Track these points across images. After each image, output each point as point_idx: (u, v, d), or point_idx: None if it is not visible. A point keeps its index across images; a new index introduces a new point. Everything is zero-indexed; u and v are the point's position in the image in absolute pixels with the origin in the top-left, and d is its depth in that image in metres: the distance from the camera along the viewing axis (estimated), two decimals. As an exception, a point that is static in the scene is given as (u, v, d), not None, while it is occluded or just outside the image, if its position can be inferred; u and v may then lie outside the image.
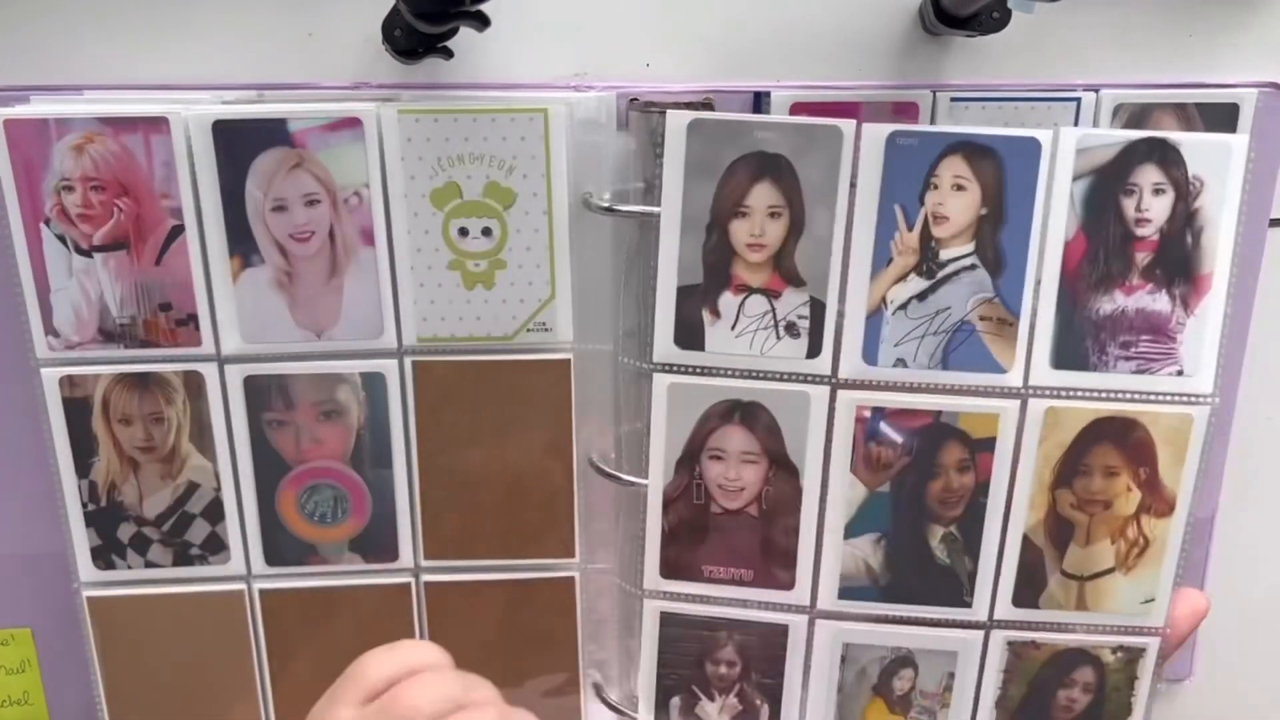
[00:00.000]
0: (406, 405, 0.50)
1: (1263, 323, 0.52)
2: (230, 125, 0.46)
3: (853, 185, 0.44)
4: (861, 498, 0.47)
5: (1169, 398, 0.45)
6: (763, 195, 0.45)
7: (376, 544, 0.51)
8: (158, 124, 0.45)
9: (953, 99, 0.48)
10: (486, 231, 0.48)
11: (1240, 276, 0.51)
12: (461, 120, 0.46)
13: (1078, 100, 0.49)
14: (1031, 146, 0.43)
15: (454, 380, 0.50)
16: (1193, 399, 0.45)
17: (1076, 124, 0.49)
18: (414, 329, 0.49)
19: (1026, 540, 0.47)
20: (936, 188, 0.44)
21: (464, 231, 0.48)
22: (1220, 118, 0.49)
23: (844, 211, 0.44)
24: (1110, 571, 0.47)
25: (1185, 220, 0.44)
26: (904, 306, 0.45)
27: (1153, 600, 0.47)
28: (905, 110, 0.48)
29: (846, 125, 0.43)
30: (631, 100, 0.48)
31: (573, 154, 0.47)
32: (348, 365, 0.49)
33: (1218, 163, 0.43)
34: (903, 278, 0.45)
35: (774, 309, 0.46)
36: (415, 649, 0.43)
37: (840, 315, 0.46)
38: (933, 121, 0.48)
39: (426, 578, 0.52)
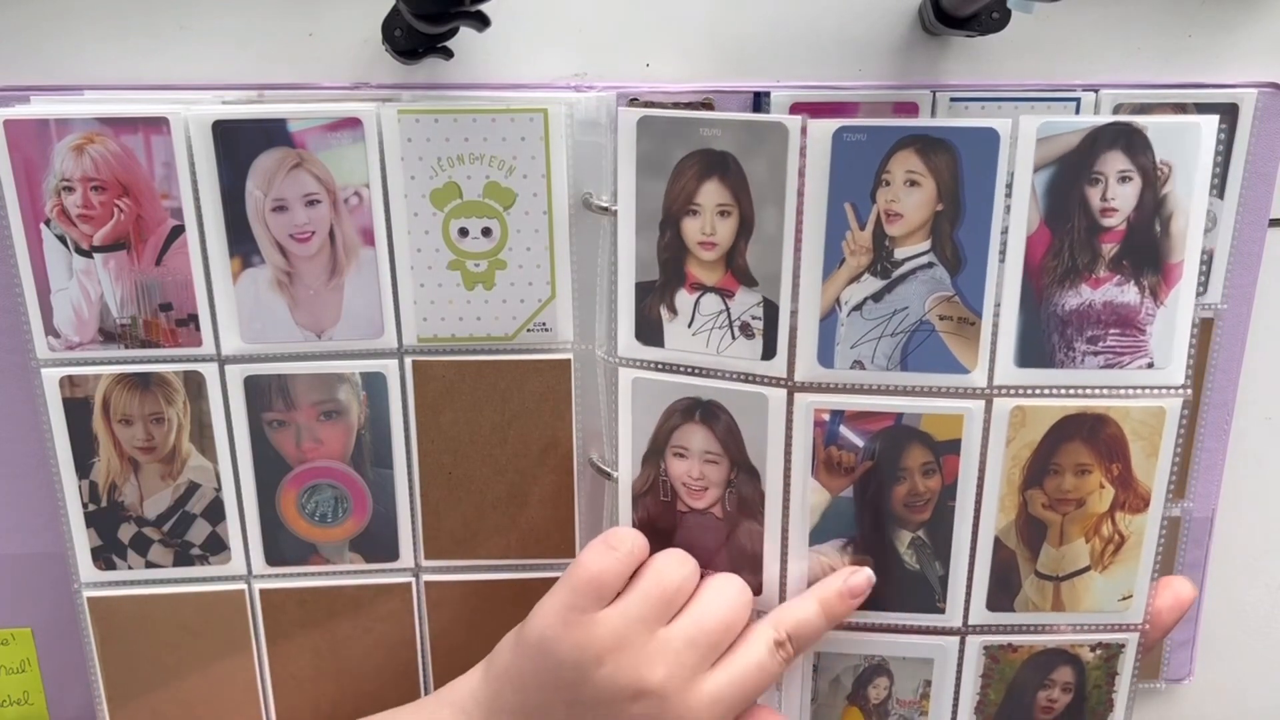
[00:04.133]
0: (407, 405, 0.50)
1: (1263, 323, 0.52)
2: (230, 125, 0.46)
3: (801, 183, 0.43)
4: (825, 503, 0.46)
5: (1140, 391, 0.44)
6: (711, 193, 0.44)
7: (377, 544, 0.51)
8: (158, 124, 0.45)
9: (952, 99, 0.48)
10: (486, 232, 0.48)
11: (1240, 276, 0.52)
12: (461, 120, 0.46)
13: (1077, 100, 0.49)
14: (989, 137, 0.42)
15: (454, 380, 0.50)
16: (1165, 391, 0.44)
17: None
18: (414, 329, 0.49)
19: (998, 543, 0.46)
20: (888, 184, 0.42)
21: (464, 231, 0.48)
22: (1220, 118, 0.49)
23: (793, 211, 0.43)
24: (1086, 570, 0.46)
25: (1154, 208, 0.42)
26: (859, 308, 0.44)
27: (1130, 597, 0.46)
28: (905, 110, 0.48)
29: (792, 122, 0.42)
30: (631, 100, 0.48)
31: (573, 154, 0.47)
32: (348, 365, 0.49)
33: (1186, 146, 0.41)
34: (856, 278, 0.44)
35: (728, 308, 0.45)
36: (628, 535, 0.45)
37: (794, 316, 0.44)
38: (933, 121, 0.48)
39: (427, 578, 0.52)
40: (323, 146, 0.46)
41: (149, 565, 0.51)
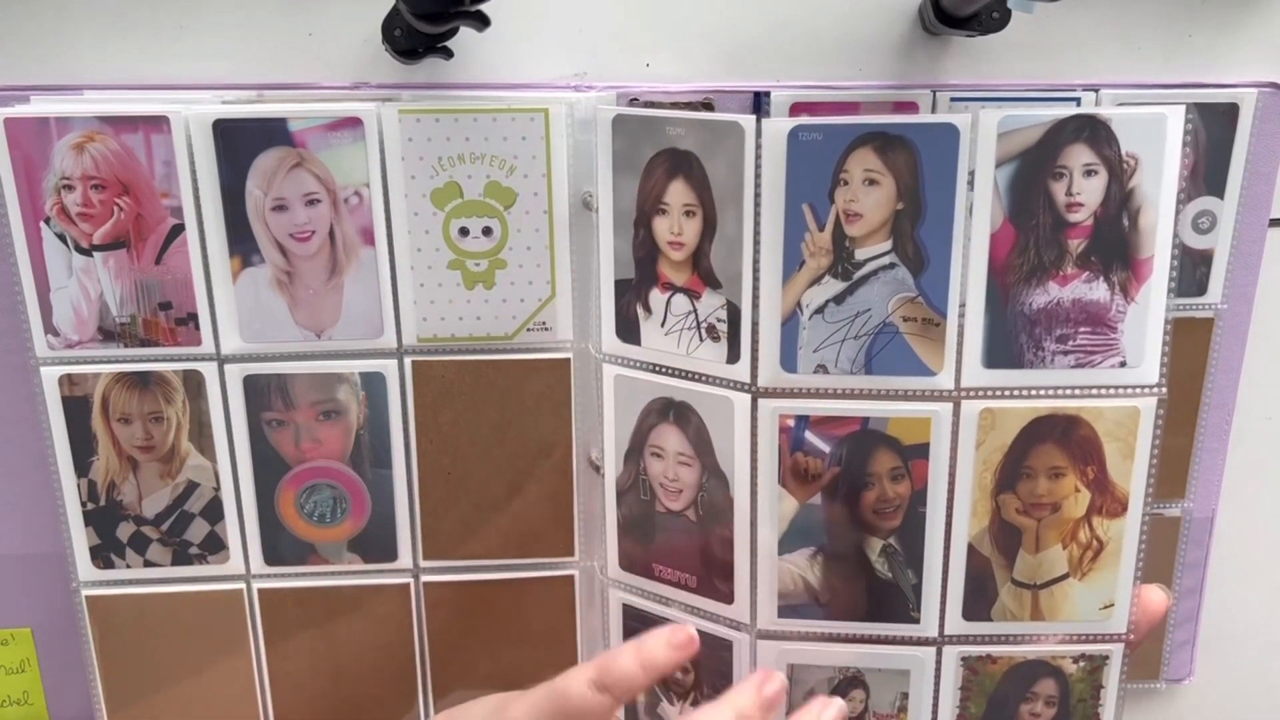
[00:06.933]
0: (406, 405, 0.50)
1: (1263, 323, 0.52)
2: (231, 125, 0.46)
3: (757, 184, 0.42)
4: (793, 511, 0.45)
5: (1112, 391, 0.42)
6: (678, 193, 0.44)
7: (376, 544, 0.51)
8: (158, 123, 0.45)
9: (953, 99, 0.48)
10: (487, 231, 0.48)
11: (1240, 276, 0.52)
12: (462, 120, 0.46)
13: (1077, 100, 0.49)
14: (948, 134, 0.40)
15: (454, 380, 0.49)
16: (1138, 390, 0.42)
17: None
18: (414, 329, 0.49)
19: (972, 550, 0.44)
20: (847, 183, 0.41)
21: (464, 231, 0.48)
22: (1220, 118, 0.49)
23: (751, 212, 0.42)
24: (1064, 578, 0.44)
25: (1120, 202, 0.40)
26: (820, 310, 0.43)
27: (1112, 606, 0.44)
28: (905, 110, 0.48)
29: (747, 121, 0.41)
30: (631, 100, 0.48)
31: (573, 154, 0.47)
32: (347, 365, 0.49)
33: (1153, 138, 0.39)
34: (817, 280, 0.42)
35: (696, 310, 0.45)
36: (624, 674, 0.39)
37: (756, 320, 0.43)
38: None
39: (426, 578, 0.52)
40: (323, 146, 0.46)
41: (147, 564, 0.50)
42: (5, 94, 0.47)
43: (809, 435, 0.44)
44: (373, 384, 0.49)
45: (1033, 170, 0.40)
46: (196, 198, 0.46)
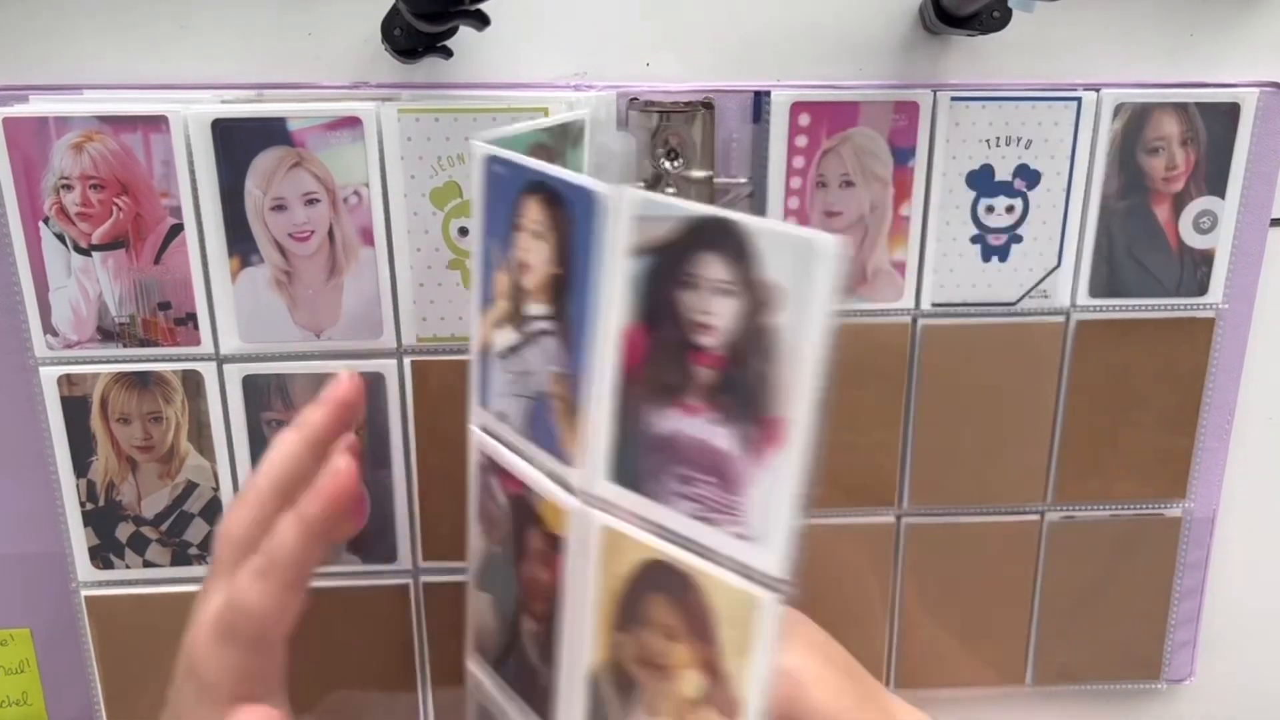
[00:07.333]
0: (406, 405, 0.50)
1: (1264, 322, 0.52)
2: (230, 124, 0.45)
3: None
4: (482, 550, 0.40)
5: (730, 564, 0.31)
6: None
7: (375, 545, 0.51)
8: (157, 123, 0.45)
9: (953, 99, 0.48)
10: (486, 231, 0.48)
11: (1241, 276, 0.52)
12: (461, 120, 0.46)
13: (1078, 100, 0.49)
14: (595, 202, 0.33)
15: (453, 380, 0.49)
16: (758, 577, 0.31)
17: (1077, 123, 0.49)
18: (413, 329, 0.49)
19: (594, 682, 0.36)
20: (521, 230, 0.36)
21: (464, 231, 0.48)
22: (1221, 117, 0.49)
23: (479, 232, 0.38)
24: None
25: (756, 339, 0.30)
26: (504, 356, 0.38)
27: None
28: (905, 110, 0.48)
29: (481, 137, 0.38)
30: (631, 100, 0.48)
31: (572, 153, 0.47)
32: (347, 365, 0.49)
33: (802, 268, 0.28)
34: (500, 324, 0.38)
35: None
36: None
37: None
38: (933, 121, 0.48)
39: (425, 579, 0.52)
40: (322, 146, 0.46)
41: (147, 564, 0.50)
42: (5, 94, 0.46)
43: (493, 481, 0.39)
44: (372, 384, 0.49)
45: (664, 270, 0.32)
46: (195, 197, 0.46)
